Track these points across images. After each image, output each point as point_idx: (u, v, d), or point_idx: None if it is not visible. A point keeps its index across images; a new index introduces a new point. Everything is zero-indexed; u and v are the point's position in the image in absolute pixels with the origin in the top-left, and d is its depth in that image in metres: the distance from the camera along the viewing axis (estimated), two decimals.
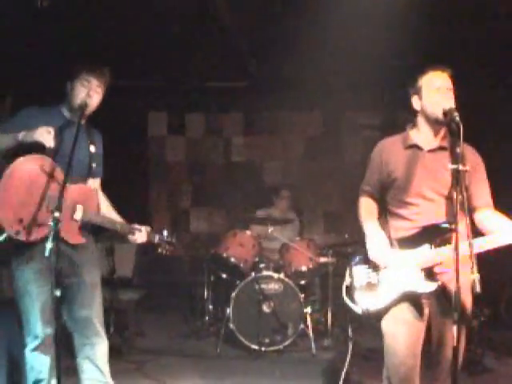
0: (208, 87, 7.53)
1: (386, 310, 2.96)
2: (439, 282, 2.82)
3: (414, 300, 2.93)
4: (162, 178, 7.95)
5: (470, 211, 3.04)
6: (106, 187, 3.70)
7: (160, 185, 7.95)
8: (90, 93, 3.39)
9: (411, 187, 2.99)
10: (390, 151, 3.10)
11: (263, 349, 5.31)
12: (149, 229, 3.62)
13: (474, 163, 3.00)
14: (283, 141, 7.87)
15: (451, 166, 2.50)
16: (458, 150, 2.51)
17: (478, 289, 2.33)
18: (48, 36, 5.59)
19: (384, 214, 3.15)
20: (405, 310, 2.94)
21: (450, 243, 2.73)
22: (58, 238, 2.77)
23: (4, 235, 3.09)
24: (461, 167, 2.44)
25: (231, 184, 7.81)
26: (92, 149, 3.57)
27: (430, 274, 2.84)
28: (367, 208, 3.18)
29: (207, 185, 7.91)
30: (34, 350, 3.34)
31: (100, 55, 5.81)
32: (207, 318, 6.04)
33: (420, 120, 3.05)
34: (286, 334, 5.38)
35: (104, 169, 3.68)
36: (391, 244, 2.99)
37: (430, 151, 3.00)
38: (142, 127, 7.91)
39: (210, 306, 6.10)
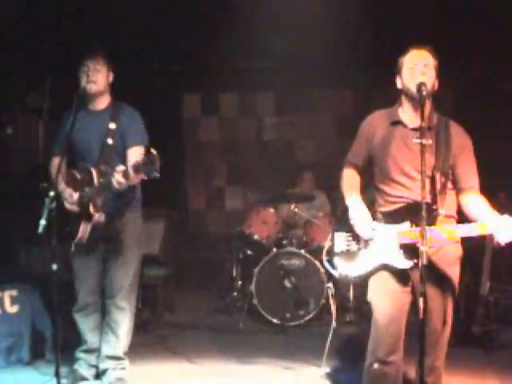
0: (240, 67, 7.59)
1: (367, 276, 3.03)
2: (415, 260, 2.83)
3: (396, 271, 2.96)
4: (196, 158, 8.09)
5: (456, 192, 3.06)
6: None
7: (195, 165, 8.08)
8: (88, 73, 3.61)
9: (394, 164, 3.01)
10: (376, 125, 3.14)
11: (285, 323, 5.43)
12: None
13: (460, 144, 3.01)
14: (315, 119, 7.89)
15: (415, 140, 2.53)
16: (424, 124, 2.52)
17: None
18: (83, 20, 5.84)
19: (371, 187, 3.20)
20: (388, 281, 2.99)
21: (430, 223, 2.77)
22: (51, 215, 2.97)
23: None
24: (424, 141, 2.46)
25: (265, 163, 7.90)
26: (112, 125, 3.74)
27: (407, 250, 2.88)
28: (350, 181, 3.23)
29: (241, 164, 8.02)
30: (76, 313, 3.92)
31: (133, 40, 6.11)
32: (235, 293, 6.18)
33: (403, 99, 3.07)
34: (308, 309, 5.48)
35: None
36: (376, 217, 3.03)
37: (414, 129, 2.98)
38: (177, 109, 8.07)
39: (239, 282, 6.22)
